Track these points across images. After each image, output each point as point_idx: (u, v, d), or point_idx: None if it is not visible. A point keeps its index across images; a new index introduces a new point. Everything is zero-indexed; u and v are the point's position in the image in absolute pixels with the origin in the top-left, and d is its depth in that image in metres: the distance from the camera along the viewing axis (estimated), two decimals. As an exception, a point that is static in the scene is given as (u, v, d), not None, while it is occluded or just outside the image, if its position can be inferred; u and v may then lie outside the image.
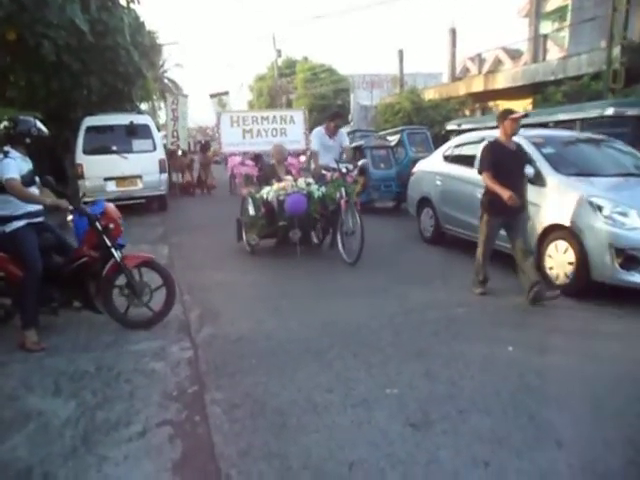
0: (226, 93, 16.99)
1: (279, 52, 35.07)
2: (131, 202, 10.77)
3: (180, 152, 15.50)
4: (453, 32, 21.71)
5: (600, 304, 4.56)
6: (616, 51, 11.67)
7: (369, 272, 5.83)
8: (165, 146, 13.16)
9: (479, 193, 5.87)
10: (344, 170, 6.38)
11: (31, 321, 3.95)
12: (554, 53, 19.15)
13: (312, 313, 4.54)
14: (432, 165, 7.38)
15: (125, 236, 8.26)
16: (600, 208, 4.57)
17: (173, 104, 15.32)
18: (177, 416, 2.92)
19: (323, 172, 6.71)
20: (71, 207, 4.03)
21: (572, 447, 2.57)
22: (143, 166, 10.50)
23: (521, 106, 17.99)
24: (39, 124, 4.14)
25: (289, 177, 6.62)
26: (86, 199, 4.57)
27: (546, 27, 22.00)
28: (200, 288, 5.46)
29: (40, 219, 4.16)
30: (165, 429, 2.79)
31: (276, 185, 6.46)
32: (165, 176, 10.99)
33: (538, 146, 5.52)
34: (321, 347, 3.80)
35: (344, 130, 7.31)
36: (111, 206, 4.34)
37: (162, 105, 41.31)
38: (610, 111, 7.59)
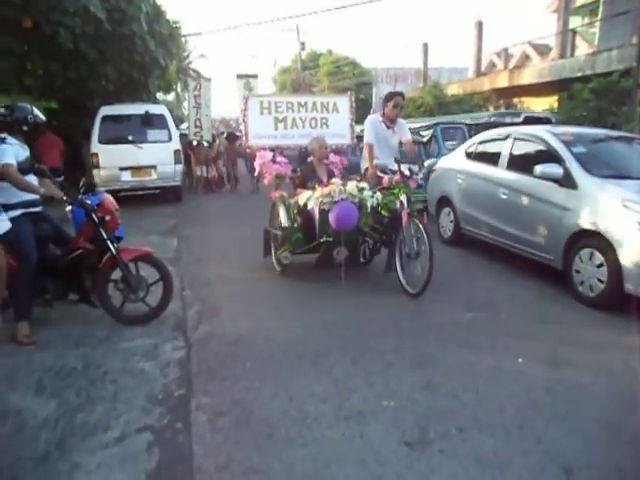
0: (255, 76, 14.84)
1: (303, 44, 34.79)
2: (145, 192, 10.78)
3: (205, 143, 14.04)
4: (479, 25, 21.17)
5: (625, 317, 4.20)
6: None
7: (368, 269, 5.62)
8: (186, 136, 12.77)
9: (502, 194, 5.62)
10: (407, 172, 4.90)
11: (24, 313, 3.85)
12: (583, 49, 18.53)
13: (314, 313, 4.36)
14: (454, 162, 7.01)
15: (134, 227, 8.32)
16: (637, 214, 4.16)
17: (196, 90, 14.00)
18: (159, 422, 2.77)
19: (379, 174, 5.18)
20: (65, 197, 3.91)
21: (581, 476, 2.34)
22: (158, 156, 10.44)
23: (546, 103, 17.50)
24: (36, 111, 4.03)
25: (336, 180, 5.11)
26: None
27: (575, 22, 21.32)
28: (204, 283, 5.32)
29: (37, 209, 4.05)
30: (144, 436, 2.64)
31: (319, 190, 4.95)
32: (180, 167, 10.91)
33: (567, 144, 5.09)
34: (320, 351, 3.61)
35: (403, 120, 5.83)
36: (108, 197, 4.20)
37: (186, 96, 41.87)
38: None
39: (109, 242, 4.01)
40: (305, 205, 5.07)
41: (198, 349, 3.72)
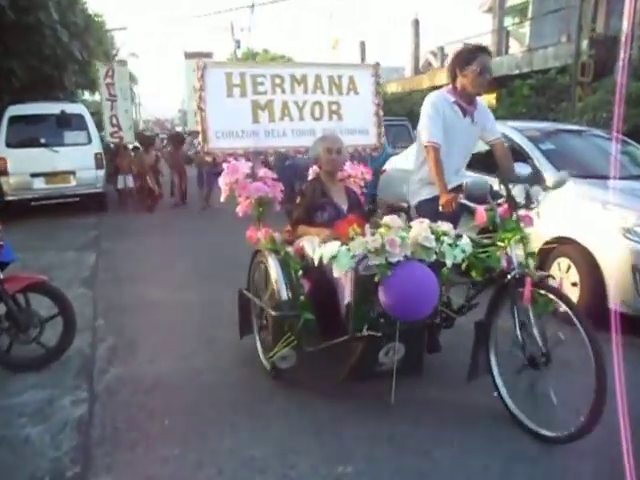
0: (209, 55, 11.17)
1: (238, 42, 33.88)
2: (63, 201, 9.70)
3: (131, 146, 11.53)
4: (416, 23, 21.10)
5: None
6: (584, 44, 11.21)
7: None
8: (102, 139, 10.51)
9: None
10: (521, 200, 2.72)
11: None
12: (515, 49, 18.79)
13: (253, 346, 3.68)
14: (407, 162, 6.49)
15: (48, 241, 7.34)
16: (621, 220, 3.66)
17: (107, 77, 10.16)
18: (36, 526, 2.03)
19: (465, 202, 2.85)
20: None
21: None
22: (77, 161, 9.44)
23: (486, 100, 17.54)
24: None
25: (391, 218, 2.56)
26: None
27: (507, 22, 21.68)
28: (121, 309, 4.52)
29: None
30: None
31: (358, 239, 2.48)
32: (103, 172, 9.89)
33: (534, 141, 4.61)
34: (260, 396, 2.95)
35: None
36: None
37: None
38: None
39: (-13, 270, 3.17)
40: (320, 263, 2.68)
41: (105, 402, 2.97)
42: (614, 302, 3.60)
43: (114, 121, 10.36)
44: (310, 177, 3.69)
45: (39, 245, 6.99)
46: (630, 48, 10.79)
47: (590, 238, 3.83)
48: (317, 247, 2.76)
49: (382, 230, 2.45)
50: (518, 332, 2.53)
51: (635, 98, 9.80)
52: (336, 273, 2.52)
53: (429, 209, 3.13)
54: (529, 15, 19.07)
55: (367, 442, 2.50)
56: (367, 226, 2.55)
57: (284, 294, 2.87)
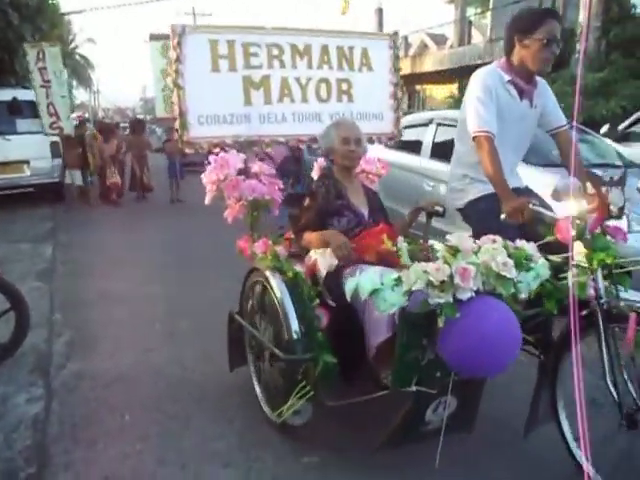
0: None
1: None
2: (16, 192, 9.34)
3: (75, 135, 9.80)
4: (380, 12, 21.11)
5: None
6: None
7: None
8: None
9: (427, 185, 5.13)
10: (614, 208, 1.99)
11: None
12: (477, 39, 19.05)
13: (216, 338, 3.62)
14: (373, 152, 6.48)
15: (4, 232, 7.07)
16: None
17: (39, 61, 8.84)
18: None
19: (540, 210, 2.14)
20: None
21: None
22: (31, 150, 9.07)
23: (448, 90, 17.76)
24: None
25: (461, 237, 1.77)
26: None
27: (469, 12, 21.95)
28: (79, 303, 4.38)
29: None
30: None
31: (415, 268, 1.71)
32: (59, 161, 9.53)
33: None
34: (223, 390, 2.91)
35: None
36: None
37: (75, 83, 38.49)
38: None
39: None
40: (334, 286, 2.27)
41: (62, 398, 2.87)
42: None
43: (51, 110, 9.04)
44: (315, 173, 3.13)
45: (-8, 238, 6.71)
46: (586, 40, 11.09)
47: None
48: (329, 258, 2.27)
49: (446, 254, 1.71)
50: (609, 380, 1.89)
51: (591, 89, 10.09)
52: (386, 308, 1.82)
53: (484, 211, 2.51)
54: (490, 6, 19.35)
55: (332, 432, 2.47)
56: (400, 239, 1.89)
57: (295, 330, 2.19)
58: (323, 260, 2.32)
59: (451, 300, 1.66)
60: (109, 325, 3.91)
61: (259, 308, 2.59)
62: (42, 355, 3.40)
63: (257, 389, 2.68)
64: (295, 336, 2.19)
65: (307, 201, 2.57)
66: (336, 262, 2.25)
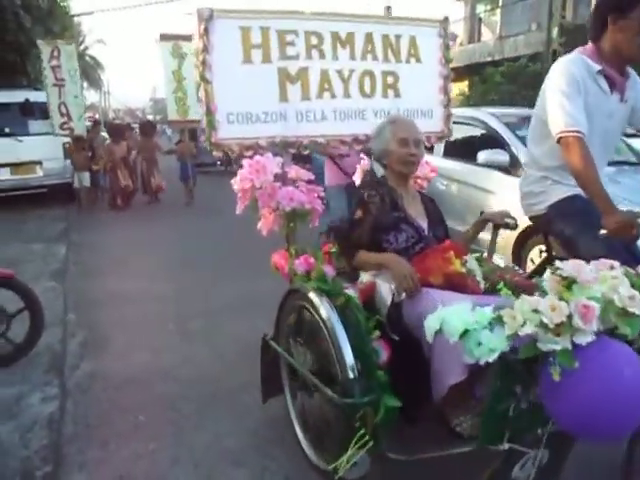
0: (187, 38, 9.05)
1: (209, 29, 33.22)
2: (29, 192, 9.43)
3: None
4: (388, 9, 20.99)
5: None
6: (554, 32, 11.37)
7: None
8: (53, 132, 8.94)
9: (441, 184, 4.86)
10: None
11: None
12: (488, 37, 18.94)
13: (228, 336, 3.63)
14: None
15: (14, 233, 7.13)
16: None
17: (53, 59, 8.62)
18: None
19: None
20: None
21: None
22: (43, 151, 9.14)
23: (458, 88, 17.66)
24: None
25: (579, 265, 1.40)
26: None
27: (479, 9, 21.82)
28: (92, 303, 4.41)
29: None
30: None
31: (521, 305, 1.37)
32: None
33: (511, 127, 4.59)
34: (235, 389, 2.91)
35: None
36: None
37: (85, 84, 38.80)
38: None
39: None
40: (397, 317, 1.96)
41: (76, 398, 2.90)
42: None
43: (63, 110, 8.83)
44: (359, 177, 2.86)
45: (5, 237, 6.78)
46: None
47: None
48: (395, 287, 1.94)
49: (558, 287, 1.38)
50: None
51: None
52: (451, 350, 1.59)
53: (576, 213, 2.21)
54: (500, 3, 19.22)
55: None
56: (470, 257, 1.76)
57: (352, 368, 1.81)
58: (386, 287, 1.99)
59: (569, 346, 1.30)
60: (122, 325, 3.93)
61: (301, 336, 2.22)
62: (56, 355, 3.43)
63: (297, 428, 2.32)
64: (351, 375, 1.80)
65: (358, 213, 2.17)
66: (403, 294, 1.92)
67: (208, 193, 10.08)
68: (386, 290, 1.99)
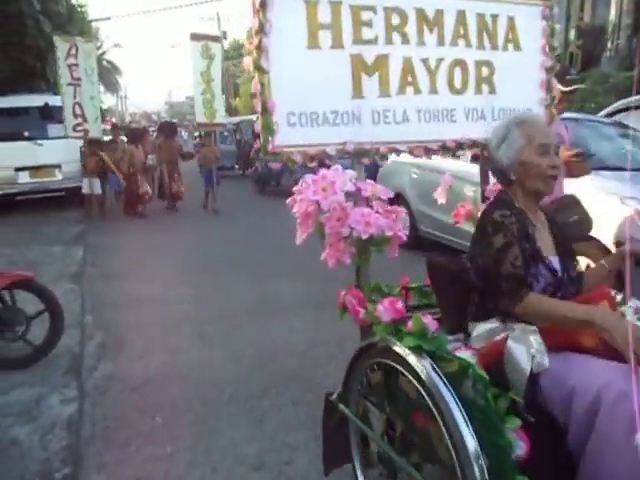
0: (216, 39, 9.04)
1: (224, 33, 33.51)
2: (48, 195, 9.55)
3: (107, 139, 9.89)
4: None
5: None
6: (571, 33, 11.24)
7: (320, 283, 4.94)
8: (65, 135, 8.60)
9: (470, 191, 4.89)
10: None
11: None
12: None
13: (245, 340, 3.63)
14: (407, 154, 6.27)
15: (33, 235, 7.23)
16: None
17: (70, 56, 8.19)
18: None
19: None
20: None
21: None
22: (62, 154, 9.25)
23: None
24: None
25: None
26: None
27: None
28: (110, 305, 4.45)
29: None
30: None
31: None
32: None
33: None
34: (253, 392, 2.91)
35: None
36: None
37: (102, 88, 39.24)
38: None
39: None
40: (532, 392, 1.41)
41: (94, 400, 2.91)
42: None
43: (77, 111, 8.31)
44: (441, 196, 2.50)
45: (25, 240, 6.87)
46: (617, 38, 10.85)
47: (608, 234, 3.56)
48: (532, 352, 1.41)
49: None
50: None
51: (622, 89, 9.84)
52: (616, 443, 1.23)
53: None
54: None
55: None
56: (630, 313, 1.42)
57: (480, 470, 1.26)
58: (523, 351, 1.42)
59: None
60: (138, 327, 3.95)
61: (388, 405, 1.69)
62: (75, 357, 3.45)
63: None
64: (479, 476, 1.25)
65: (500, 238, 1.59)
66: (547, 361, 1.41)
67: (228, 197, 10.05)
68: (523, 355, 1.41)
